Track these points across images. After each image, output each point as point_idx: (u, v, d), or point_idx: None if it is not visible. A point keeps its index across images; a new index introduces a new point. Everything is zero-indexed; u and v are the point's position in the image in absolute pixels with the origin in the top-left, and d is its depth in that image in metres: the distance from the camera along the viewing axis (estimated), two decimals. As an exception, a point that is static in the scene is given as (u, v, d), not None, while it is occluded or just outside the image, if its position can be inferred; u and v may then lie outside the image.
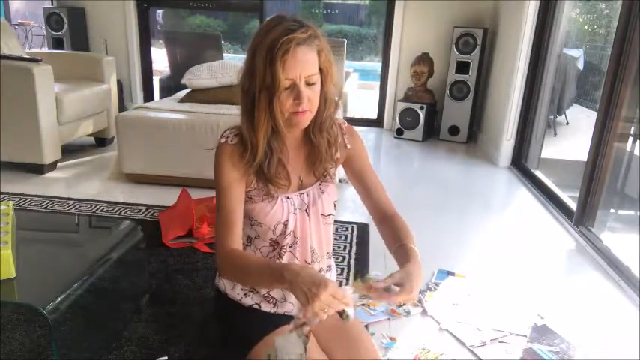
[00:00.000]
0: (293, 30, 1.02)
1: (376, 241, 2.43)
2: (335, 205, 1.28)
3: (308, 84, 1.06)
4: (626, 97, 2.38)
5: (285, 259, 1.23)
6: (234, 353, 1.22)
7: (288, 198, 1.19)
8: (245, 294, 1.26)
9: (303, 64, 1.03)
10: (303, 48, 1.03)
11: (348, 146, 1.26)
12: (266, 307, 1.25)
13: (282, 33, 1.01)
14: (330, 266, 1.35)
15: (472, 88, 4.44)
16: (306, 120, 1.11)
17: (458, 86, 4.47)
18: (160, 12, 6.96)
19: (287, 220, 1.19)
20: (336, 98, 1.18)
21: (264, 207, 1.17)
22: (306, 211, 1.22)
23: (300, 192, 1.21)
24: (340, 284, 1.96)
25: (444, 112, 4.59)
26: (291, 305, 1.26)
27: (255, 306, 1.25)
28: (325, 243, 1.29)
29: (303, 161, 1.21)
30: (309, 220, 1.23)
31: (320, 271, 1.30)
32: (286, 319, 1.23)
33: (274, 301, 1.25)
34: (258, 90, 1.05)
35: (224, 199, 1.15)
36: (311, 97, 1.08)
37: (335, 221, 1.44)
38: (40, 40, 7.02)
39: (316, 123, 1.16)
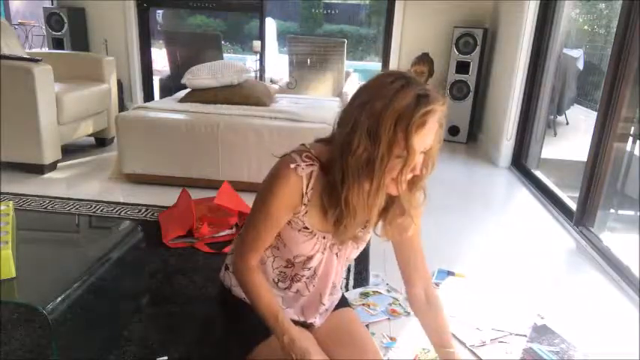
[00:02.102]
0: (427, 96, 0.92)
1: (376, 241, 2.43)
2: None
3: (422, 153, 0.99)
4: (626, 97, 2.38)
5: (297, 286, 1.21)
6: (235, 350, 1.22)
7: (324, 237, 1.13)
8: None
9: (430, 135, 0.96)
10: (435, 118, 0.95)
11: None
12: None
13: (418, 100, 0.91)
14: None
15: (472, 88, 4.43)
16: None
17: (458, 86, 4.47)
18: (159, 12, 6.96)
19: (312, 256, 1.15)
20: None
21: (299, 237, 1.12)
22: (336, 254, 1.18)
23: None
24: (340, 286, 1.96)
25: (443, 112, 4.59)
26: (291, 312, 1.25)
27: None
28: (340, 282, 1.28)
29: None
30: (336, 263, 1.19)
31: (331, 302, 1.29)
32: None
33: None
34: (380, 156, 0.93)
35: (263, 224, 1.09)
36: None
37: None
38: (40, 40, 7.01)
39: None
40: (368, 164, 0.95)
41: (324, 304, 1.25)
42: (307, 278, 1.19)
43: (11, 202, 1.61)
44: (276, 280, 1.21)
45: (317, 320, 1.28)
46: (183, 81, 3.31)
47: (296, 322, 1.24)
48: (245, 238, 1.13)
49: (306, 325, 1.26)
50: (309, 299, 1.24)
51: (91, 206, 2.66)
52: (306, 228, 1.10)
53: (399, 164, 0.95)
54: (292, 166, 1.03)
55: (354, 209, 1.00)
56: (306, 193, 1.04)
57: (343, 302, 1.38)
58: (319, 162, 1.05)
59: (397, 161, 0.95)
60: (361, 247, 1.22)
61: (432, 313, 1.23)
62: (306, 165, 1.03)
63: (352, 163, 0.96)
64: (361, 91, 0.99)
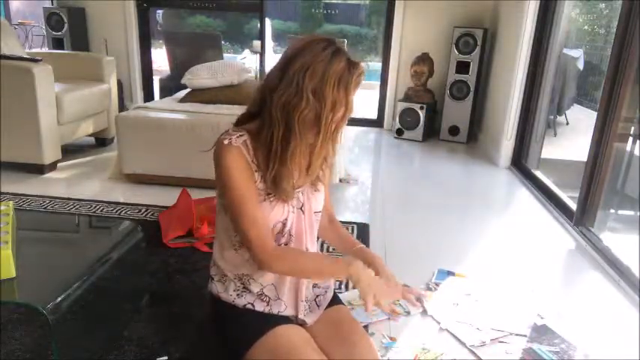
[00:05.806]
0: (355, 61, 1.09)
1: (377, 240, 2.44)
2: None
3: None
4: (626, 97, 2.38)
5: None
6: (232, 354, 1.22)
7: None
8: (238, 295, 1.25)
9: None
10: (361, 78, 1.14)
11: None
12: (260, 307, 1.24)
13: (350, 64, 1.08)
14: None
15: (472, 88, 4.43)
16: None
17: (458, 86, 4.47)
18: (159, 12, 6.96)
19: (286, 219, 1.19)
20: None
21: (266, 207, 1.17)
22: (301, 209, 1.23)
23: (297, 190, 1.22)
24: (340, 285, 1.96)
25: (444, 112, 4.59)
26: (283, 305, 1.25)
27: (249, 306, 1.24)
28: (315, 241, 1.30)
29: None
30: (304, 218, 1.23)
31: None
32: (281, 318, 1.23)
33: (267, 300, 1.25)
34: (326, 112, 1.07)
35: (246, 205, 1.12)
36: None
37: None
38: (40, 40, 7.02)
39: None
40: (315, 120, 1.07)
41: None
42: (286, 244, 1.22)
43: (11, 202, 1.61)
44: None
45: (307, 314, 1.28)
46: (183, 81, 3.31)
47: (289, 321, 1.24)
48: (244, 233, 1.13)
49: (300, 323, 1.27)
50: None
51: (91, 206, 2.66)
52: (269, 194, 1.16)
53: (338, 118, 1.11)
54: (226, 142, 1.12)
55: (298, 162, 1.15)
56: (252, 160, 1.13)
57: (335, 299, 1.38)
58: (247, 131, 1.14)
59: (337, 116, 1.10)
60: (319, 198, 1.27)
61: (334, 228, 1.39)
62: (236, 137, 1.12)
63: (300, 120, 1.07)
64: (294, 57, 1.07)
